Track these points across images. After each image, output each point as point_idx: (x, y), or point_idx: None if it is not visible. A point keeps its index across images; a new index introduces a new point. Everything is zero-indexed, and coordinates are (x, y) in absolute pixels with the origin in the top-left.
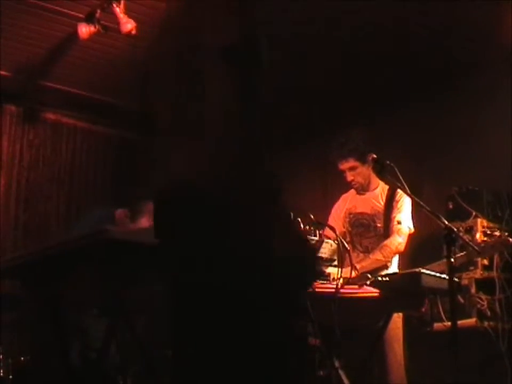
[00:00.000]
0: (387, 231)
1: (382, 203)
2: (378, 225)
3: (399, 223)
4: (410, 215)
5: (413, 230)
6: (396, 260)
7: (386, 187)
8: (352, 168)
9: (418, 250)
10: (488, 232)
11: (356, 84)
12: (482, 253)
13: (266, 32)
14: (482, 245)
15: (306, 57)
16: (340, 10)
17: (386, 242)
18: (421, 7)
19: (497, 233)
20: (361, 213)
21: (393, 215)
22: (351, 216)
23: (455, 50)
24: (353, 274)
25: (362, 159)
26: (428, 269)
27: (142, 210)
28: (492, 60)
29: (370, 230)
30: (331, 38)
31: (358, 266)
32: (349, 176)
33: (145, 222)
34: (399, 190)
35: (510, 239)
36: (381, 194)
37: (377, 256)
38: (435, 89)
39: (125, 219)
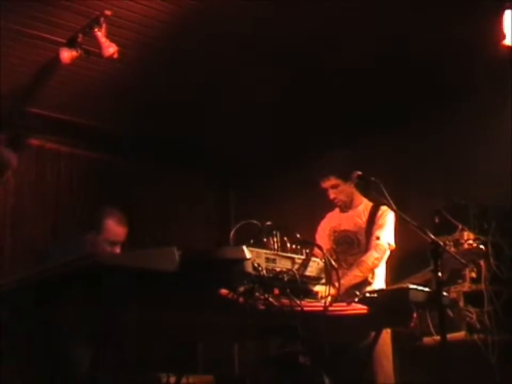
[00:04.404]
0: (368, 247)
1: (365, 219)
2: (362, 241)
3: (377, 238)
4: (393, 231)
5: (393, 246)
6: (381, 275)
7: (370, 204)
8: (334, 186)
9: (403, 264)
10: (474, 245)
11: (342, 102)
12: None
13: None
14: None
15: (293, 77)
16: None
17: (363, 258)
18: (409, 28)
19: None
20: (345, 230)
21: (373, 231)
22: (336, 234)
23: (444, 69)
24: (333, 291)
25: (343, 177)
26: (407, 282)
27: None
28: (481, 79)
29: (354, 247)
30: (318, 58)
31: (336, 284)
32: (331, 194)
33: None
34: (382, 207)
35: (482, 247)
36: (364, 211)
37: (355, 272)
38: (423, 106)
39: (99, 240)
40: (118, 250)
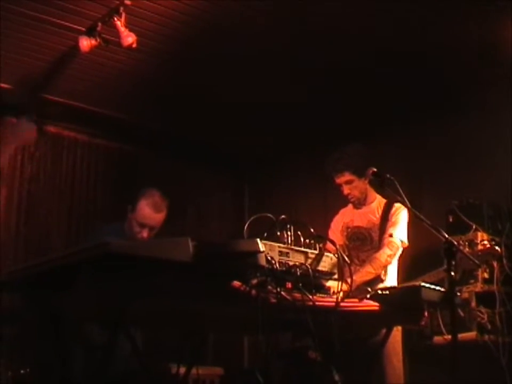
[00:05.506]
0: (380, 244)
1: (378, 216)
2: (375, 238)
3: (390, 236)
4: (406, 228)
5: (406, 243)
6: (394, 272)
7: (383, 201)
8: (348, 182)
9: (416, 262)
10: (489, 246)
11: (358, 99)
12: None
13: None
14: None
15: (309, 72)
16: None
17: (376, 255)
18: (420, 27)
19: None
20: (357, 227)
21: (387, 228)
22: (348, 230)
23: (456, 67)
24: (345, 287)
25: (358, 173)
26: (420, 280)
27: None
28: (491, 76)
29: (367, 244)
30: (333, 56)
31: (348, 280)
32: (345, 190)
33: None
34: (395, 204)
35: (497, 248)
36: (378, 208)
37: (367, 268)
38: (436, 105)
39: (131, 220)
40: (145, 234)
